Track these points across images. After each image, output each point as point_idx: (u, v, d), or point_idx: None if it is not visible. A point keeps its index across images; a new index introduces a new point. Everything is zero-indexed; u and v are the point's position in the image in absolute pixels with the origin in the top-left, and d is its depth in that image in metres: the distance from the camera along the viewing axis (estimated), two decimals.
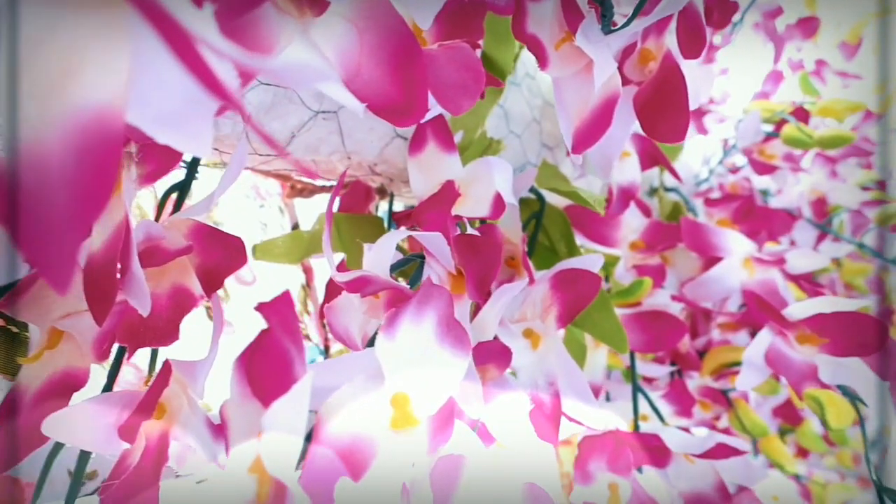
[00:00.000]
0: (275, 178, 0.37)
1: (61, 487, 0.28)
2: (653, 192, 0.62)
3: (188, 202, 0.28)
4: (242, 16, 0.15)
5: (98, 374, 0.27)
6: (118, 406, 0.22)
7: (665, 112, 0.28)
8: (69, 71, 0.12)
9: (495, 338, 0.31)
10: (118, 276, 0.21)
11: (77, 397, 0.24)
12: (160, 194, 0.30)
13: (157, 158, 0.20)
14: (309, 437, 0.18)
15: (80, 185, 0.11)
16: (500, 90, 0.38)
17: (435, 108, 0.29)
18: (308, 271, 0.54)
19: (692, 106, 0.28)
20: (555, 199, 0.42)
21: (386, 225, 0.39)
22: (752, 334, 0.56)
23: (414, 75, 0.20)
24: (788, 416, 0.67)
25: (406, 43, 0.19)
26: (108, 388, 0.25)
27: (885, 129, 0.68)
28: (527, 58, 0.46)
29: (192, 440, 0.23)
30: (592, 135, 0.27)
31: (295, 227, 0.51)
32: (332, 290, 0.30)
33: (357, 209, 0.37)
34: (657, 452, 0.37)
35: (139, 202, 0.42)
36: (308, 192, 0.39)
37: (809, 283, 0.50)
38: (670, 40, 0.30)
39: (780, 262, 0.46)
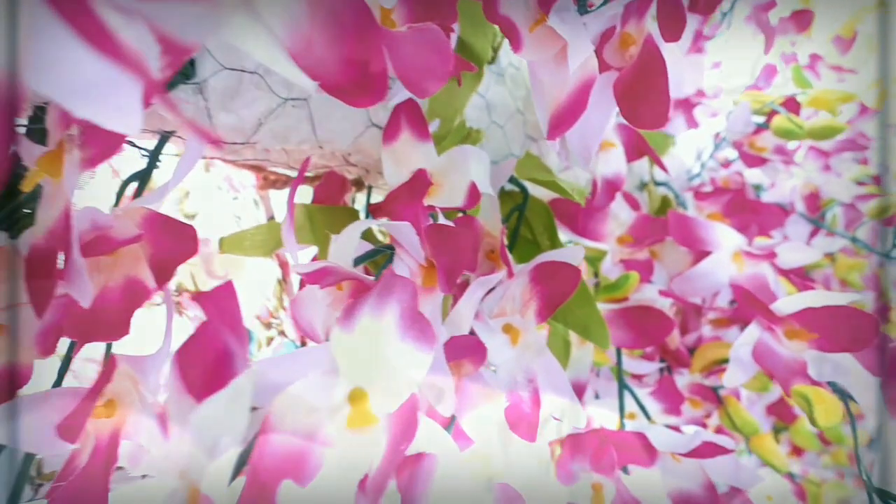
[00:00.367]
0: (247, 170, 0.36)
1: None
2: (643, 186, 0.61)
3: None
4: None
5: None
6: (62, 403, 0.21)
7: (645, 97, 0.27)
8: None
9: (472, 332, 0.30)
10: (60, 266, 0.20)
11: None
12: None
13: (100, 141, 0.19)
14: (249, 450, 0.17)
15: None
16: (478, 77, 0.37)
17: (403, 92, 0.28)
18: (284, 265, 0.52)
19: (677, 94, 0.27)
20: (539, 192, 0.41)
21: (364, 217, 0.38)
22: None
23: (370, 51, 0.19)
24: (782, 414, 0.66)
25: (362, 15, 0.18)
26: (57, 384, 0.23)
27: (882, 125, 0.67)
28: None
29: (143, 439, 0.22)
30: (567, 119, 0.26)
31: (270, 219, 0.50)
32: (304, 284, 0.29)
33: (331, 200, 0.36)
34: (642, 451, 0.36)
35: None
36: (282, 183, 0.37)
37: (800, 278, 0.49)
38: (651, 25, 0.28)
39: (770, 256, 0.45)
